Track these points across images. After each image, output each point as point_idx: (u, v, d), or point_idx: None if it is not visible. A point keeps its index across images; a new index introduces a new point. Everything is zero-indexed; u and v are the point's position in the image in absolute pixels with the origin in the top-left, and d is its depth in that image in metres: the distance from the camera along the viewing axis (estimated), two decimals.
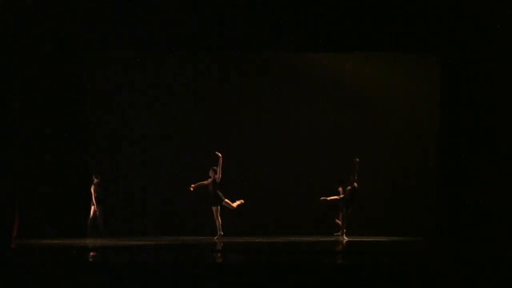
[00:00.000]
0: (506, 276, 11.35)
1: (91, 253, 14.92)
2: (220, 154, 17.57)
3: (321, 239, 18.40)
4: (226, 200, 17.89)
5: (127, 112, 20.31)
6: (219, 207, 17.84)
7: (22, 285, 11.30)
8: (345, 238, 18.16)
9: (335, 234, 19.26)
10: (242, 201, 18.19)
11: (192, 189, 17.74)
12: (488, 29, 18.08)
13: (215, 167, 17.73)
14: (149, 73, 20.34)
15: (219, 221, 17.83)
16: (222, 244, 16.70)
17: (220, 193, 17.81)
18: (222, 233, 17.81)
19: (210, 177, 17.78)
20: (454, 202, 18.79)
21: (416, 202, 19.86)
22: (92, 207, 19.06)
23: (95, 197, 19.05)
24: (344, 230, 18.45)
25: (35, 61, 18.42)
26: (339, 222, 19.00)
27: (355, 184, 18.32)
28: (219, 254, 15.01)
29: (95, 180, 19.13)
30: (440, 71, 19.38)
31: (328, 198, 18.65)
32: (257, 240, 17.68)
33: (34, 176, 18.55)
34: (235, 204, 18.02)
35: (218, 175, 17.68)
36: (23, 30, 17.68)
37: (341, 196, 18.66)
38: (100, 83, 20.22)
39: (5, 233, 15.35)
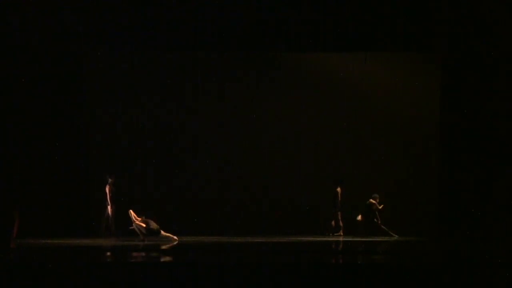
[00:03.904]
0: (506, 276, 11.35)
1: (91, 253, 14.91)
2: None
3: (321, 239, 18.41)
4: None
5: (127, 112, 20.31)
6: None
7: (22, 285, 11.29)
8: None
9: (335, 234, 19.29)
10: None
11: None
12: (488, 30, 18.08)
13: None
14: (149, 73, 20.35)
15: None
16: (221, 244, 16.71)
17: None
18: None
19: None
20: (454, 202, 18.78)
21: (416, 202, 19.85)
22: (108, 207, 18.98)
23: (110, 197, 18.98)
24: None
25: (35, 61, 18.40)
26: (334, 223, 19.28)
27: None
28: (219, 255, 15.00)
29: (109, 180, 19.07)
30: (440, 71, 19.39)
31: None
32: (257, 240, 17.67)
33: (34, 177, 18.53)
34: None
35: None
36: (22, 30, 17.66)
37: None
38: (100, 83, 20.22)
39: (5, 233, 15.34)
